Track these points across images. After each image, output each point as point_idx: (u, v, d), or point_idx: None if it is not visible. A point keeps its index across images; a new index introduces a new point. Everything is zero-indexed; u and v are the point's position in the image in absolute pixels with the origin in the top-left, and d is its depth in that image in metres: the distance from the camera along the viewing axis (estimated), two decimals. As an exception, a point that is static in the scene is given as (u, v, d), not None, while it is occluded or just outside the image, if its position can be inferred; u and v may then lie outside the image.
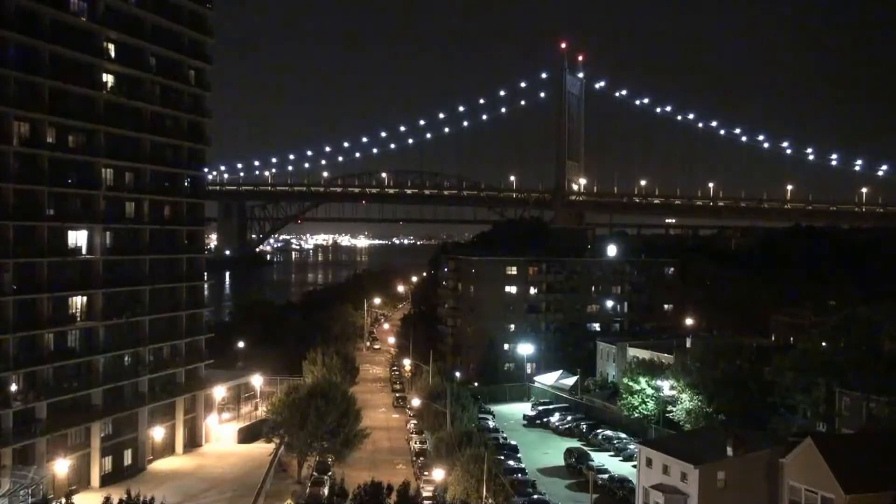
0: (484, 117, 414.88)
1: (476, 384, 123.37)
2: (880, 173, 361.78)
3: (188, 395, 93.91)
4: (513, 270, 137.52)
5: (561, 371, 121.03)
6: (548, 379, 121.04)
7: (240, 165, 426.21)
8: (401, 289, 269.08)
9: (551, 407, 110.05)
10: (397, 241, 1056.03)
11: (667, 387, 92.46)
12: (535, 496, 72.86)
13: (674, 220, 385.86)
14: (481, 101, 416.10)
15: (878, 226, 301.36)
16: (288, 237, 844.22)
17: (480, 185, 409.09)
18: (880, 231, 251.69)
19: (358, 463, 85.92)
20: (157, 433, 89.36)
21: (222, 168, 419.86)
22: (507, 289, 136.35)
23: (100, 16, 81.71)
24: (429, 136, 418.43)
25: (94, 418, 79.75)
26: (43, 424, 73.41)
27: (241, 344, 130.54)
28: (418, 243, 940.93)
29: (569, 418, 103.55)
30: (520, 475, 77.58)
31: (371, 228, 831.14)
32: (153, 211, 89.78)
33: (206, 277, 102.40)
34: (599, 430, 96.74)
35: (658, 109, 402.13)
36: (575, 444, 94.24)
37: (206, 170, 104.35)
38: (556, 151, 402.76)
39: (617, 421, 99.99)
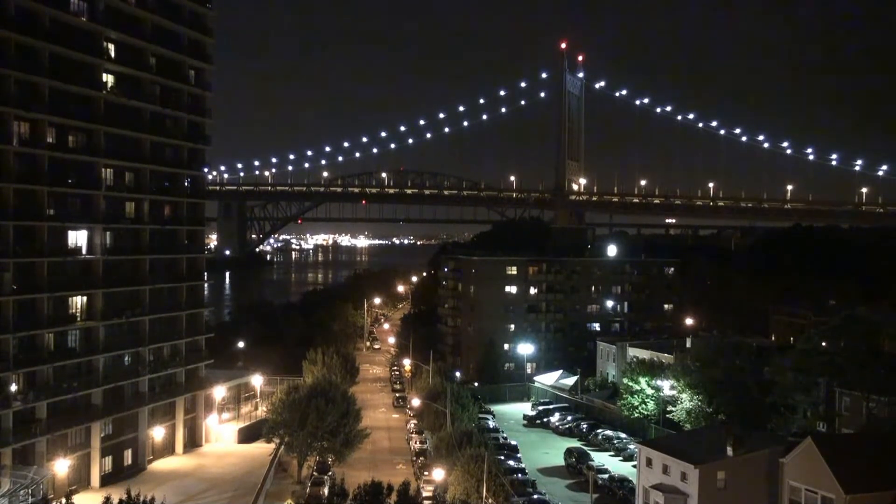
0: (484, 117, 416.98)
1: (476, 384, 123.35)
2: (880, 173, 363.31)
3: (188, 395, 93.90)
4: (513, 270, 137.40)
5: (561, 371, 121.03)
6: (548, 379, 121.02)
7: (240, 165, 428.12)
8: (401, 289, 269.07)
9: (551, 407, 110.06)
10: (397, 241, 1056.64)
11: (667, 387, 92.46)
12: (535, 496, 72.89)
13: (674, 220, 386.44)
14: (481, 101, 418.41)
15: (878, 226, 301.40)
16: (288, 237, 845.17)
17: (480, 185, 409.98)
18: (880, 231, 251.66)
19: (358, 463, 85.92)
20: (157, 433, 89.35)
21: (222, 168, 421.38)
22: (507, 289, 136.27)
23: (100, 16, 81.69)
24: (429, 136, 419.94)
25: (94, 418, 79.72)
26: (43, 424, 73.40)
27: (241, 344, 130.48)
28: (418, 243, 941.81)
29: (569, 418, 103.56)
30: (520, 475, 77.58)
31: (371, 228, 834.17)
32: (153, 211, 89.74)
33: (206, 277, 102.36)
34: (599, 430, 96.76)
35: (658, 109, 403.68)
36: (575, 444, 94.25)
37: (206, 170, 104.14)
38: (557, 151, 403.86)
39: (617, 421, 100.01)
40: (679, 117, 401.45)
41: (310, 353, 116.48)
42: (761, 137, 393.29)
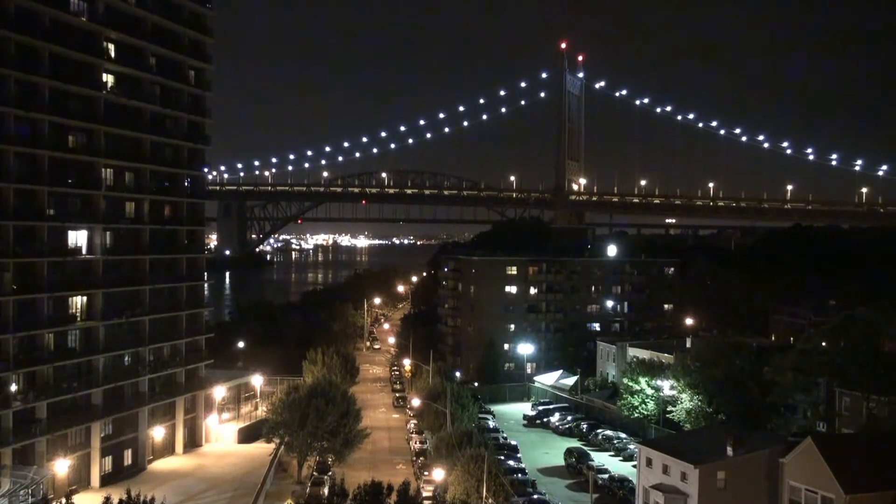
0: (484, 117, 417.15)
1: (476, 384, 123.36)
2: (880, 173, 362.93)
3: (188, 395, 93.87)
4: (513, 270, 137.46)
5: (561, 371, 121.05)
6: (548, 379, 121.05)
7: (240, 165, 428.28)
8: (401, 289, 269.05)
9: (551, 407, 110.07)
10: (397, 241, 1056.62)
11: (667, 387, 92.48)
12: (535, 496, 72.89)
13: (674, 220, 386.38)
14: (481, 101, 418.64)
15: (878, 226, 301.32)
16: (288, 237, 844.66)
17: (480, 185, 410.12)
18: (880, 231, 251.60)
19: (358, 463, 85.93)
20: (157, 433, 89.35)
21: (222, 168, 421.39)
22: (507, 289, 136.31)
23: (100, 16, 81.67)
24: (429, 136, 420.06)
25: (94, 418, 79.70)
26: (43, 424, 73.36)
27: (241, 344, 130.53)
28: (418, 243, 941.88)
29: (569, 418, 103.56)
30: (520, 475, 77.56)
31: (371, 228, 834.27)
32: (153, 211, 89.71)
33: (206, 277, 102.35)
34: (599, 430, 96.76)
35: (658, 109, 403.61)
36: (575, 444, 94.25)
37: (206, 170, 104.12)
38: (557, 151, 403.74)
39: (617, 421, 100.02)
40: (679, 117, 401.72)
41: (310, 353, 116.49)
42: (761, 137, 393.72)
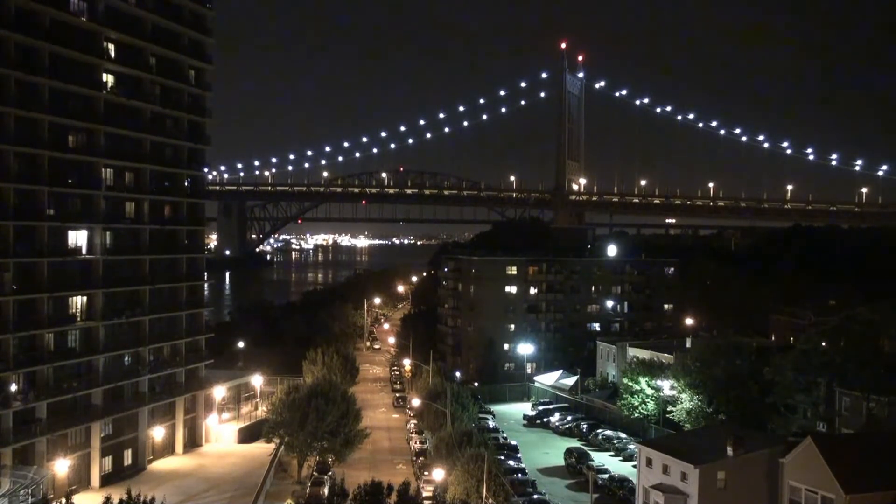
0: (484, 117, 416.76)
1: (476, 384, 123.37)
2: (880, 173, 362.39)
3: (188, 395, 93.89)
4: (513, 270, 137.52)
5: (561, 371, 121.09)
6: (548, 379, 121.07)
7: (240, 165, 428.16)
8: (401, 289, 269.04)
9: (551, 407, 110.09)
10: (397, 241, 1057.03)
11: (667, 387, 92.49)
12: (535, 496, 72.90)
13: (674, 220, 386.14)
14: (481, 101, 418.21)
15: (878, 226, 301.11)
16: (288, 237, 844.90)
17: (480, 185, 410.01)
18: (880, 231, 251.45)
19: (358, 463, 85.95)
20: (157, 433, 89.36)
21: (222, 168, 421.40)
22: (507, 289, 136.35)
23: (100, 16, 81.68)
24: (429, 136, 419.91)
25: (94, 418, 79.73)
26: (43, 424, 73.40)
27: (241, 344, 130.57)
28: (418, 243, 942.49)
29: (569, 418, 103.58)
30: (520, 475, 77.59)
31: (371, 228, 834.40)
32: (153, 211, 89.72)
33: (206, 277, 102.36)
34: (599, 430, 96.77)
35: (658, 109, 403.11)
36: (575, 444, 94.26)
37: (206, 170, 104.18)
38: (557, 151, 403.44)
39: (617, 421, 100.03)
40: (679, 117, 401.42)
41: (310, 353, 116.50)
42: (761, 137, 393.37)
